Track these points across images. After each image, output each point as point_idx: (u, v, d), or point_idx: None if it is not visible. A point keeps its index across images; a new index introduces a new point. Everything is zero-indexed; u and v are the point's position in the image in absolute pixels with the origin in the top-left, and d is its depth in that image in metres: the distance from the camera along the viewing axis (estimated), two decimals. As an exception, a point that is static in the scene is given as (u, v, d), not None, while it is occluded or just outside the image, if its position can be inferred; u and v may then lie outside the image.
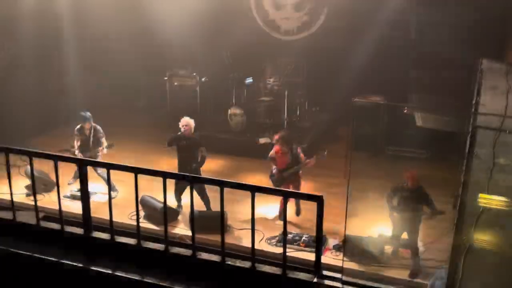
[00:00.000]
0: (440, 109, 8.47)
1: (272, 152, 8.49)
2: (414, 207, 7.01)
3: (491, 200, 5.06)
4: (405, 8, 10.52)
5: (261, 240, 7.94)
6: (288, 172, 8.30)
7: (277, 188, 7.47)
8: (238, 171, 10.45)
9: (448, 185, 8.19)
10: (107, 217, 5.28)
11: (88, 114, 9.36)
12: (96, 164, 6.69)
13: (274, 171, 8.43)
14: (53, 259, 5.13)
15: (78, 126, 9.48)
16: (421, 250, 7.36)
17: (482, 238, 5.08)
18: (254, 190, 4.57)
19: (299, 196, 6.14)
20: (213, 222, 7.29)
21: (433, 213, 7.00)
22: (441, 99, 9.51)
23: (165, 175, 4.98)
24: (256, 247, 4.78)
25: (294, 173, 8.31)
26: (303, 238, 7.93)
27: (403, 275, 7.20)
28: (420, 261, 7.22)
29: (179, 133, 8.64)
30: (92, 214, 5.38)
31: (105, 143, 9.29)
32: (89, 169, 5.51)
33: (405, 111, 10.15)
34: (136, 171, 4.99)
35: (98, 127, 9.39)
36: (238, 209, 7.90)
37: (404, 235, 7.39)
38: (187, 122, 8.64)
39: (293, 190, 7.56)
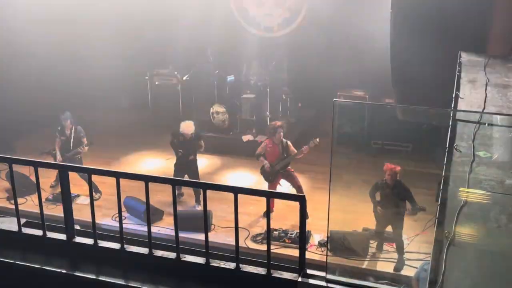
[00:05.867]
0: (421, 102, 8.51)
1: (261, 147, 8.55)
2: (396, 203, 7.07)
3: (471, 194, 5.11)
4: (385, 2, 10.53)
5: (246, 238, 7.97)
6: (280, 164, 8.38)
7: (260, 189, 7.51)
8: (223, 169, 10.45)
9: (431, 178, 8.26)
10: (90, 219, 5.24)
11: (68, 113, 9.36)
12: (77, 170, 6.64)
13: (265, 166, 8.47)
14: (36, 265, 5.08)
15: (59, 127, 9.44)
16: (405, 243, 7.43)
17: (464, 231, 5.13)
18: (237, 191, 4.56)
19: (282, 197, 6.14)
20: (197, 221, 7.33)
21: (414, 209, 7.08)
22: (421, 91, 9.56)
23: (147, 178, 4.94)
24: (241, 244, 4.78)
25: (285, 165, 8.39)
26: (289, 234, 7.98)
27: (388, 268, 7.29)
28: (405, 254, 7.30)
29: (180, 139, 8.91)
30: (76, 217, 5.34)
31: (86, 142, 9.32)
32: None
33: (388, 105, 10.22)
34: (118, 175, 4.94)
35: (79, 127, 9.41)
36: (223, 208, 7.90)
37: (389, 229, 7.46)
38: (183, 129, 8.94)
39: (277, 191, 7.57)
